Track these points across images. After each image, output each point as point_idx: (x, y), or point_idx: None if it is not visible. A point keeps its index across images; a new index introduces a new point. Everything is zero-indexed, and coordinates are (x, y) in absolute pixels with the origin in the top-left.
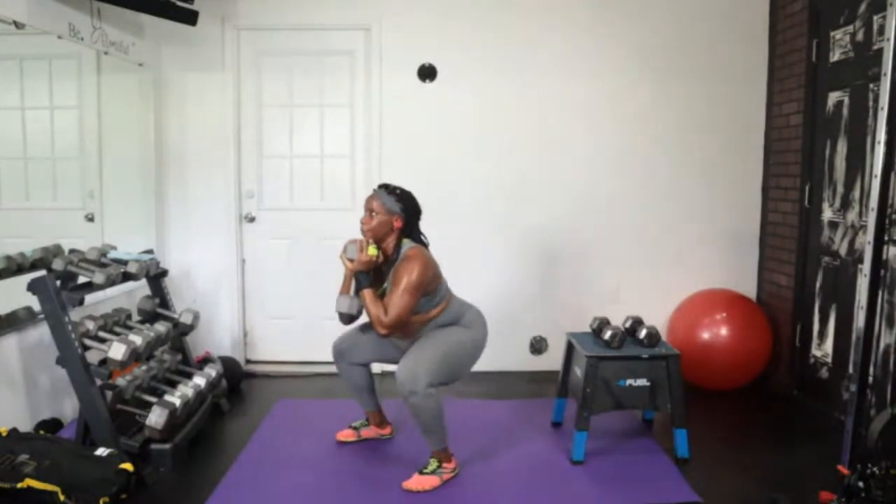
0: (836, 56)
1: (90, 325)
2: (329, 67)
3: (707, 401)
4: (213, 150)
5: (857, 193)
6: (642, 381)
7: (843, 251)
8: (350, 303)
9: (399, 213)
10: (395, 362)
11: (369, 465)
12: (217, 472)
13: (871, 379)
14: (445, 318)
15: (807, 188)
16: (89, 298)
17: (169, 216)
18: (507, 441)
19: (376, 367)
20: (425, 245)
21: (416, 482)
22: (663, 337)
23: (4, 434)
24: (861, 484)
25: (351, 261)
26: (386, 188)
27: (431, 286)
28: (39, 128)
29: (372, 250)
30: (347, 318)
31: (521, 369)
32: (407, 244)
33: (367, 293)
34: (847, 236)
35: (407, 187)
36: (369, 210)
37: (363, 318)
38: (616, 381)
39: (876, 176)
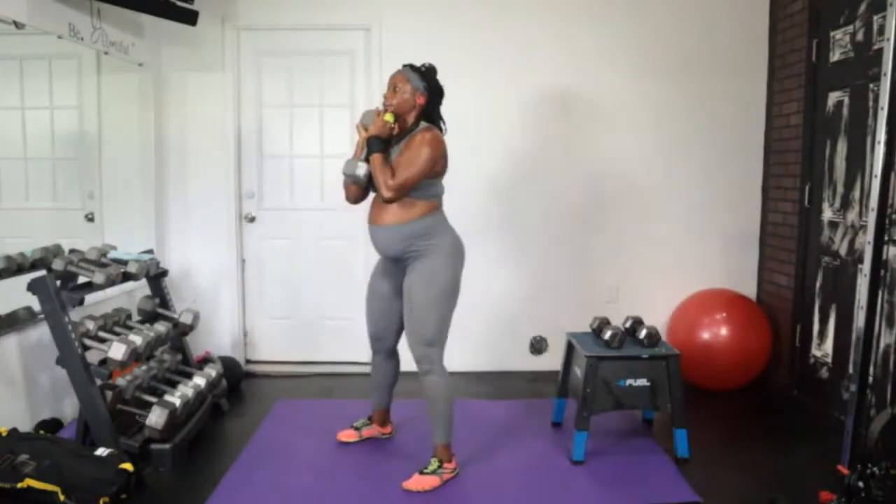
0: (836, 56)
1: (90, 325)
2: (329, 67)
3: (707, 401)
4: (213, 151)
5: (857, 193)
6: (642, 381)
7: (843, 251)
8: (358, 165)
9: (423, 91)
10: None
11: (369, 464)
12: (217, 472)
13: (871, 379)
14: (429, 225)
15: (807, 188)
16: (89, 298)
17: (169, 216)
18: (507, 441)
19: None
20: (442, 130)
21: (417, 482)
22: (663, 337)
23: (4, 434)
24: (861, 484)
25: (366, 128)
26: (411, 66)
27: (439, 166)
28: (39, 128)
29: (388, 117)
30: (354, 192)
31: (521, 369)
32: (424, 124)
33: (377, 157)
34: (847, 236)
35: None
36: (393, 86)
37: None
38: (616, 381)
39: (876, 176)
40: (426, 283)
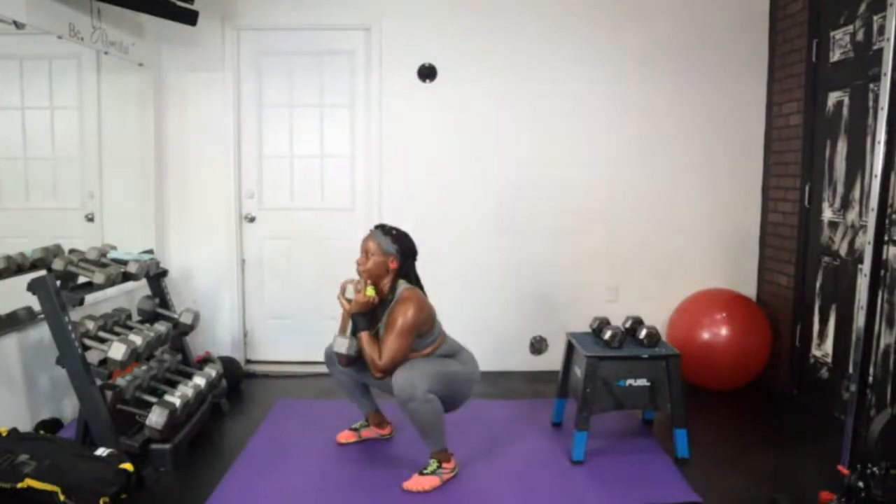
0: (836, 56)
1: (90, 325)
2: (329, 67)
3: (707, 401)
4: (213, 150)
5: (857, 193)
6: (642, 381)
7: (843, 251)
8: (349, 343)
9: (395, 255)
10: (385, 389)
11: (369, 465)
12: (217, 472)
13: (871, 379)
14: (439, 354)
15: (807, 188)
16: (89, 298)
17: (169, 216)
18: (507, 441)
19: None
20: (421, 287)
21: (416, 483)
22: (663, 337)
23: (4, 434)
24: (861, 484)
25: (349, 301)
26: (382, 229)
27: (425, 327)
28: (39, 128)
29: (370, 291)
30: (346, 360)
31: (521, 369)
32: (402, 285)
33: (364, 335)
34: (847, 236)
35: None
36: (365, 251)
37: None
38: (616, 381)
39: (876, 176)
40: (444, 359)
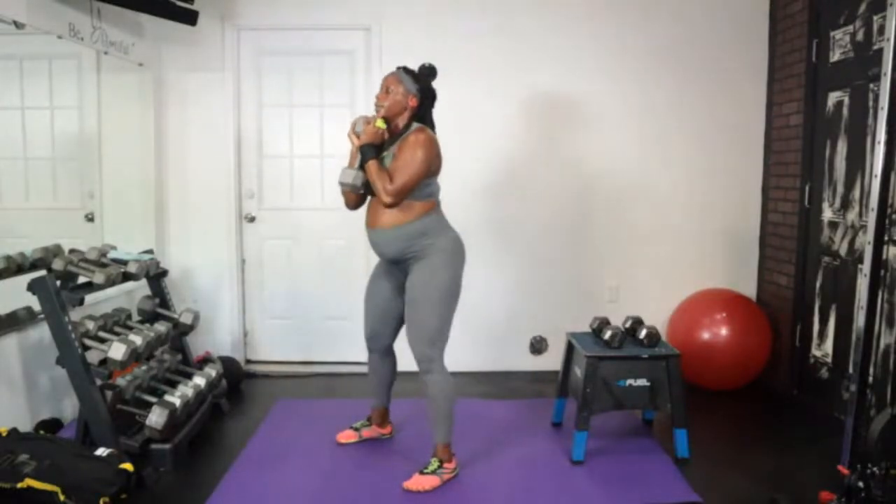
0: (836, 56)
1: (90, 325)
2: (329, 67)
3: (707, 401)
4: (213, 150)
5: (857, 193)
6: (642, 381)
7: (843, 251)
8: (355, 174)
9: (415, 93)
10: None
11: (370, 465)
12: (217, 472)
13: (871, 379)
14: (427, 225)
15: (807, 188)
16: (89, 298)
17: (169, 216)
18: (507, 441)
19: None
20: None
21: (417, 482)
22: (663, 337)
23: (4, 434)
24: (861, 484)
25: (358, 136)
26: (405, 69)
27: (434, 166)
28: (39, 128)
29: (380, 123)
30: (353, 199)
31: (521, 369)
32: (416, 125)
33: (373, 163)
34: (847, 236)
35: None
36: (386, 87)
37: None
38: (616, 381)
39: (876, 176)
40: (427, 282)
